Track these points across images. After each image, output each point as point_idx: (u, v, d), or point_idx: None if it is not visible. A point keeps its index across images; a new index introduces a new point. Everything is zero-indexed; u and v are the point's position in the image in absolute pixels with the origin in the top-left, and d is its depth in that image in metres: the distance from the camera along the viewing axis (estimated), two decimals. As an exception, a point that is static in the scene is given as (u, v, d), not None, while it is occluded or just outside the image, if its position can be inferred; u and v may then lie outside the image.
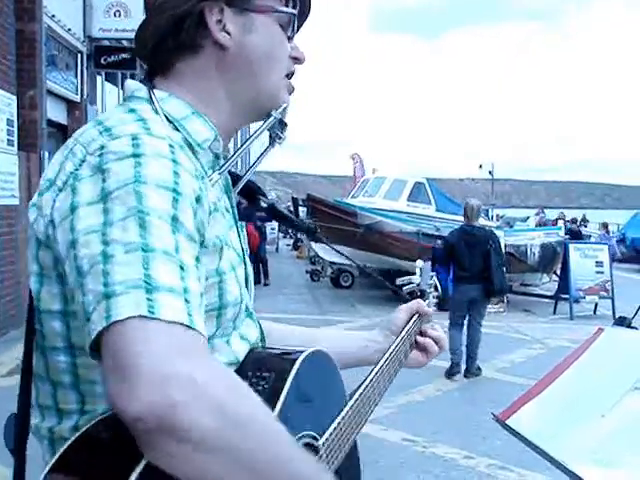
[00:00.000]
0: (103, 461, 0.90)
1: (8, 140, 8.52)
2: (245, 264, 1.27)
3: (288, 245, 27.65)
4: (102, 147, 0.99)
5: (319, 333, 1.61)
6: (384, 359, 1.43)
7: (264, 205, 1.47)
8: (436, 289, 1.89)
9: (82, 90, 11.95)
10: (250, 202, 1.48)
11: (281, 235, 29.48)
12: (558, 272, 13.77)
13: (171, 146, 1.01)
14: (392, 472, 4.88)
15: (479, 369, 7.63)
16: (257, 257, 15.37)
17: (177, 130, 1.13)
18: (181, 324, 0.87)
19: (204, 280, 1.01)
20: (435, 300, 1.85)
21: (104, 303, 0.87)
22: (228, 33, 1.18)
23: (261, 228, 16.61)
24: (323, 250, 14.35)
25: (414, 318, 1.58)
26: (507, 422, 1.85)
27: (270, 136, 1.32)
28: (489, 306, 8.76)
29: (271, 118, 1.25)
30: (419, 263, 1.82)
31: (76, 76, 11.93)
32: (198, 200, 1.01)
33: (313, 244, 14.80)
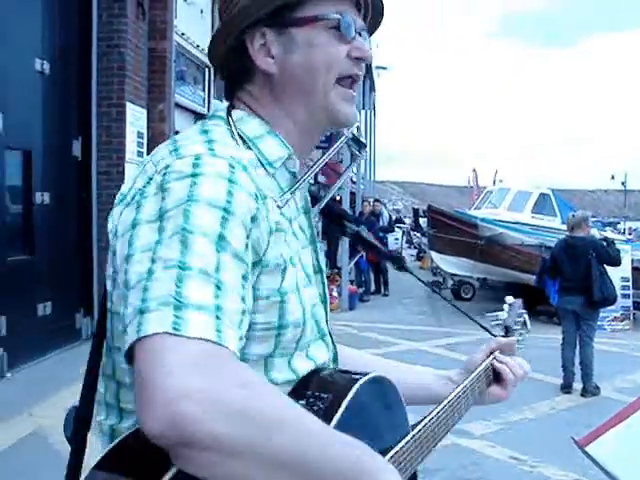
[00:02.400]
0: (139, 464, 0.94)
1: (138, 152, 8.98)
2: (322, 284, 1.28)
3: (412, 255, 27.45)
4: (167, 166, 1.04)
5: (390, 365, 1.59)
6: (454, 394, 1.41)
7: (350, 232, 1.47)
8: (525, 325, 1.83)
9: (209, 102, 12.45)
10: (337, 226, 1.48)
11: (405, 245, 29.35)
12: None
13: (231, 166, 1.04)
14: (496, 490, 4.78)
15: (597, 388, 7.32)
16: (376, 267, 15.39)
17: (251, 149, 1.17)
18: (206, 340, 0.88)
19: (250, 299, 1.02)
20: (521, 337, 1.80)
21: (138, 317, 0.91)
22: (273, 57, 1.21)
23: (383, 239, 16.59)
24: (444, 262, 14.21)
25: (492, 355, 1.57)
26: (586, 449, 1.77)
27: (351, 155, 1.34)
28: (613, 323, 8.41)
29: (341, 139, 1.27)
30: (508, 299, 1.75)
31: (203, 89, 12.43)
32: (254, 219, 1.03)
33: (434, 255, 14.66)
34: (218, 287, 0.93)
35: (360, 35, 1.25)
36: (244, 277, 0.99)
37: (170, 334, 0.87)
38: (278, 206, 1.12)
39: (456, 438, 5.47)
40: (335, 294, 12.71)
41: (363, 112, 26.09)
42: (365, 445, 0.96)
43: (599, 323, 11.65)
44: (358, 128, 1.30)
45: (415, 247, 28.02)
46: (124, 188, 1.11)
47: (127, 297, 0.95)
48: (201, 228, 0.96)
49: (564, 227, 15.12)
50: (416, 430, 1.24)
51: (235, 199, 1.01)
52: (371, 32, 1.34)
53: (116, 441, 0.98)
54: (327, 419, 1.06)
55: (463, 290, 15.10)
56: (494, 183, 19.37)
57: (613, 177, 46.27)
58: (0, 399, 5.93)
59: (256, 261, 1.05)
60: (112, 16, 8.44)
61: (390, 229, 17.95)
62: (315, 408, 1.10)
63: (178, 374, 0.84)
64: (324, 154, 1.27)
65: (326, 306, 1.29)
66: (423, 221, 14.71)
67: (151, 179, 1.05)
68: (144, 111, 9.26)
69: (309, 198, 1.31)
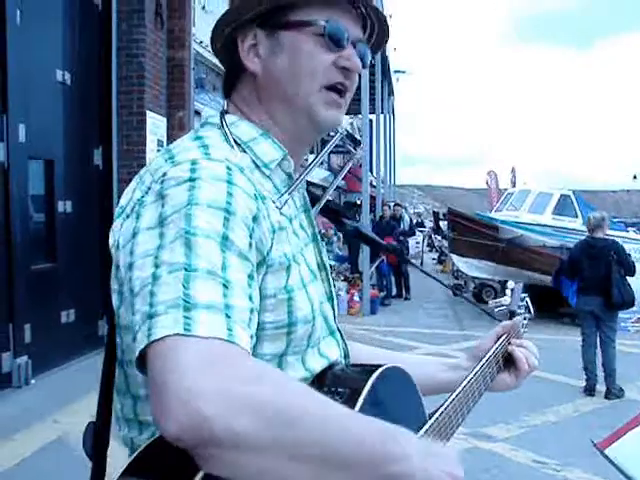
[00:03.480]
0: (166, 470, 0.93)
1: (158, 159, 9.04)
2: (328, 281, 1.29)
3: (434, 259, 27.37)
4: (164, 174, 1.04)
5: (402, 357, 1.60)
6: (466, 381, 1.40)
7: (349, 228, 1.47)
8: (528, 310, 1.86)
9: (228, 110, 12.50)
10: (335, 223, 1.49)
11: (427, 249, 29.27)
12: None
13: (229, 168, 1.05)
14: (520, 494, 4.76)
15: (621, 390, 7.27)
16: (397, 271, 15.37)
17: (245, 152, 1.18)
18: (218, 339, 0.88)
19: (257, 298, 1.02)
20: (526, 321, 1.81)
21: (147, 323, 0.91)
22: (260, 57, 1.22)
23: (404, 242, 16.55)
24: (465, 265, 14.16)
25: (500, 340, 1.56)
26: (605, 451, 1.76)
27: (347, 152, 1.34)
28: (637, 325, 8.34)
29: (335, 138, 1.25)
30: (510, 284, 1.78)
31: (223, 97, 12.48)
32: (255, 219, 1.04)
33: (455, 258, 14.61)
34: (226, 286, 0.94)
35: (355, 46, 1.24)
36: (250, 276, 1.00)
37: (181, 335, 0.88)
38: (277, 207, 1.13)
39: (478, 442, 5.45)
40: (356, 298, 12.71)
41: (382, 116, 26.06)
42: (394, 428, 0.95)
43: (622, 324, 11.62)
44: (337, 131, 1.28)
45: (436, 250, 27.93)
46: (123, 201, 1.12)
47: (134, 304, 0.96)
48: (204, 230, 0.96)
49: (584, 228, 15.14)
50: (435, 417, 1.23)
51: (235, 200, 1.01)
52: (377, 46, 1.34)
53: (141, 448, 0.97)
54: None
55: (485, 293, 15.02)
56: (513, 184, 19.19)
57: (635, 177, 45.85)
58: (24, 406, 6.01)
59: (260, 260, 1.05)
60: (131, 26, 8.53)
61: (411, 233, 17.92)
62: None
63: (192, 375, 0.84)
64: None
65: (333, 303, 1.29)
66: (443, 224, 14.64)
67: (149, 188, 1.06)
68: (164, 119, 9.34)
69: (307, 197, 1.32)
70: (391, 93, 31.63)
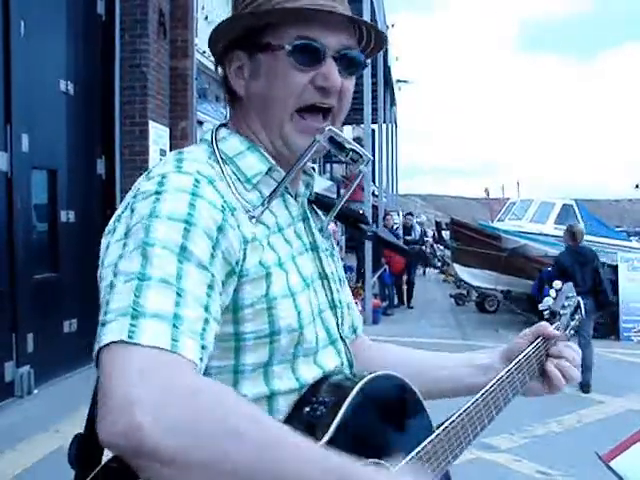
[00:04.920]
0: None
1: (161, 169, 9.05)
2: (330, 290, 1.27)
3: (436, 268, 27.35)
4: (138, 189, 1.08)
5: (428, 356, 1.53)
6: (488, 387, 1.33)
7: (369, 233, 1.47)
8: (577, 311, 1.73)
9: (231, 120, 12.54)
10: (354, 229, 1.48)
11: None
12: None
13: (196, 180, 1.06)
14: (523, 505, 4.73)
15: (588, 386, 7.69)
16: (400, 280, 15.38)
17: (228, 166, 1.18)
18: (159, 348, 0.88)
19: (217, 308, 1.01)
20: (573, 323, 1.69)
21: (99, 330, 0.92)
22: (244, 80, 1.23)
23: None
24: (467, 274, 14.16)
25: (536, 342, 1.46)
26: (610, 464, 1.74)
27: (329, 152, 1.26)
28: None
29: (312, 144, 1.18)
30: (556, 284, 1.68)
31: (225, 107, 12.52)
32: (220, 230, 1.04)
33: (457, 268, 14.61)
34: (179, 295, 0.94)
35: (339, 57, 1.20)
36: (209, 286, 0.99)
37: (125, 342, 0.88)
38: (253, 217, 1.13)
39: (481, 452, 5.43)
40: (359, 308, 12.66)
41: (384, 126, 26.10)
42: (347, 461, 0.90)
43: (625, 334, 11.63)
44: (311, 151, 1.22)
45: (438, 260, 27.91)
46: (111, 220, 1.13)
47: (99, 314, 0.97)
48: (162, 241, 0.98)
49: (588, 238, 15.13)
50: (441, 428, 1.19)
51: (197, 211, 1.02)
52: (376, 48, 1.30)
53: (102, 464, 0.98)
54: (329, 421, 1.06)
55: (487, 302, 15.01)
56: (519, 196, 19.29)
57: (638, 186, 45.88)
58: (27, 415, 6.00)
59: (229, 271, 1.05)
60: (134, 36, 8.55)
61: (422, 242, 17.96)
62: (318, 413, 1.10)
63: (129, 382, 0.84)
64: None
65: (336, 312, 1.28)
66: (445, 234, 14.64)
67: (128, 204, 1.08)
68: (167, 129, 9.35)
69: (306, 205, 1.32)
70: (393, 103, 31.68)
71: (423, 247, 18.47)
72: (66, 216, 7.63)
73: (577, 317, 1.72)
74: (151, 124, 8.76)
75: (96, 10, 8.36)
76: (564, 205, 15.72)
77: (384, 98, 23.56)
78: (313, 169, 1.37)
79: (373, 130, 20.30)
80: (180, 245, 0.98)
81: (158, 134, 9.05)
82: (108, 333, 0.90)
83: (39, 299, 6.90)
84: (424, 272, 25.57)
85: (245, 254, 1.08)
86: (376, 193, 23.39)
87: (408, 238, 16.19)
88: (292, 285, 1.15)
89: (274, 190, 1.19)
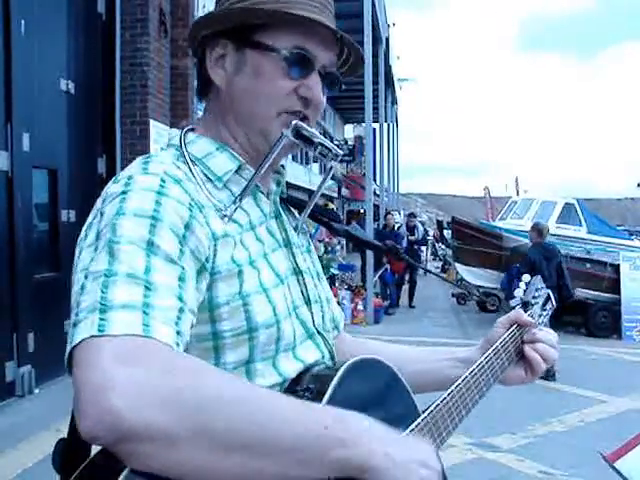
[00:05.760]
0: (96, 476, 0.93)
1: (161, 169, 9.04)
2: (305, 285, 1.28)
3: (437, 268, 27.37)
4: (106, 193, 1.09)
5: (406, 350, 1.55)
6: (469, 372, 1.34)
7: (340, 231, 1.47)
8: (548, 302, 1.78)
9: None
10: (326, 228, 1.49)
11: (430, 257, 29.26)
12: None
13: (162, 180, 1.07)
14: (525, 505, 4.72)
15: (553, 375, 7.89)
16: (402, 280, 15.38)
17: (197, 166, 1.19)
18: (132, 335, 0.87)
19: (192, 299, 1.01)
20: (546, 312, 1.74)
21: (71, 331, 0.91)
22: (225, 71, 1.22)
23: (417, 251, 16.63)
24: (469, 273, 14.14)
25: (511, 329, 1.49)
26: (615, 464, 1.72)
27: (303, 147, 1.26)
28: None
29: (279, 139, 1.20)
30: (525, 277, 1.73)
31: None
32: (188, 227, 1.04)
33: (459, 267, 14.59)
34: (148, 288, 0.94)
35: (323, 74, 1.22)
36: (181, 278, 0.99)
37: (96, 337, 0.87)
38: (225, 215, 1.13)
39: (483, 452, 5.42)
40: (360, 307, 12.69)
41: (385, 125, 26.09)
42: (342, 412, 0.92)
43: (627, 333, 11.61)
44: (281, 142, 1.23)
45: (440, 259, 27.91)
46: (83, 227, 1.12)
47: None
48: (127, 237, 0.98)
49: (590, 237, 15.17)
50: (427, 412, 1.17)
51: (163, 208, 1.03)
52: (352, 70, 1.33)
53: (79, 469, 0.96)
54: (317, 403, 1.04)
55: (489, 302, 15.00)
56: (517, 193, 19.28)
57: (639, 185, 45.88)
58: (28, 415, 5.99)
59: (200, 268, 1.05)
60: (135, 35, 8.54)
61: (424, 242, 17.98)
62: (304, 399, 1.07)
63: (101, 369, 0.83)
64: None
65: (312, 307, 1.27)
66: (447, 233, 14.65)
67: (98, 209, 1.09)
68: (167, 128, 9.35)
69: (278, 204, 1.32)
70: (394, 102, 31.68)
71: (419, 246, 18.46)
72: (67, 215, 7.62)
73: (548, 307, 1.78)
74: (152, 123, 8.75)
75: (96, 9, 8.35)
76: (566, 204, 15.71)
77: (385, 97, 23.56)
78: (282, 167, 1.37)
79: (374, 129, 20.29)
80: (147, 240, 0.98)
81: (159, 133, 9.04)
82: (79, 332, 0.89)
83: (40, 299, 6.90)
84: (425, 272, 25.54)
85: (215, 250, 1.09)
86: (377, 192, 23.39)
87: (412, 238, 16.27)
88: (265, 281, 1.15)
89: (245, 187, 1.20)
